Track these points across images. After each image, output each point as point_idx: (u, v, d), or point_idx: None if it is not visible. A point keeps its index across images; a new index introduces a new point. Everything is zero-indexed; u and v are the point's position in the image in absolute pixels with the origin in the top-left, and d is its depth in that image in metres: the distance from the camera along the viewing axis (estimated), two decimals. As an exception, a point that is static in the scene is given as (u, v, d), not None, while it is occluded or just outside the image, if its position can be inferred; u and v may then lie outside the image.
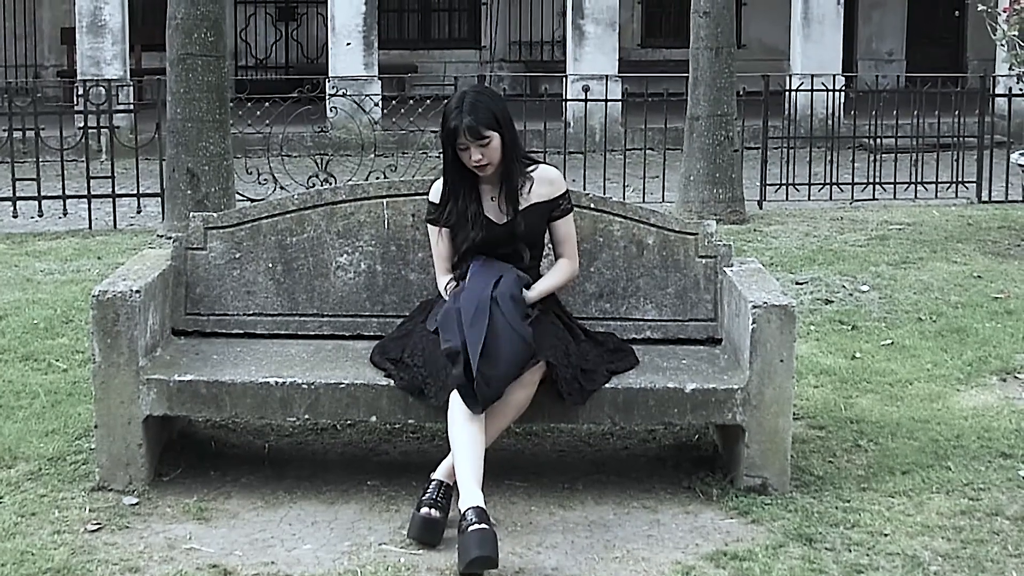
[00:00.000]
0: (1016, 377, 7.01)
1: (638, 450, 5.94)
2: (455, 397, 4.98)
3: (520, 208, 5.40)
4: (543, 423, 5.64)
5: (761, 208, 12.78)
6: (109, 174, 11.88)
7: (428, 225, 5.53)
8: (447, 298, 5.32)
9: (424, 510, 4.88)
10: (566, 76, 17.72)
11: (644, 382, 5.28)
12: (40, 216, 11.93)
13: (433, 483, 4.98)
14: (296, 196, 6.01)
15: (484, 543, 4.57)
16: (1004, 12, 11.77)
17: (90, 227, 11.69)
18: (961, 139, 13.46)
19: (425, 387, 5.14)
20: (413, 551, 4.79)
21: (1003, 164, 13.47)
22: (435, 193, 5.49)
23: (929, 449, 5.84)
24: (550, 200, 5.46)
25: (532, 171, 5.46)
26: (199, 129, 10.60)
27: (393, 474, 5.53)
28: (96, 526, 4.98)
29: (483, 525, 4.64)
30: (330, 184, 11.48)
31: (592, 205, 5.88)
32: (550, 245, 5.58)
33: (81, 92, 12.96)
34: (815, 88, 13.69)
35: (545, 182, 5.47)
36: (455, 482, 4.90)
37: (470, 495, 4.76)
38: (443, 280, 5.47)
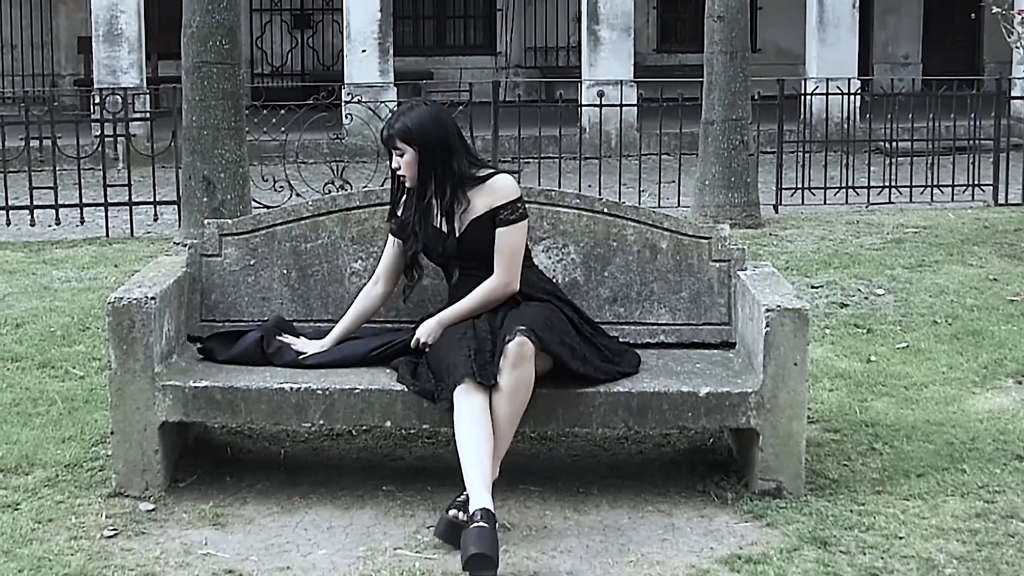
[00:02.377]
0: (1032, 380, 7.00)
1: (652, 454, 5.94)
2: (459, 397, 4.99)
3: (463, 225, 5.43)
4: (557, 427, 5.64)
5: (777, 212, 12.77)
6: (126, 182, 11.92)
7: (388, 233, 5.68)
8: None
9: (451, 512, 4.90)
10: (581, 81, 17.73)
11: (658, 386, 5.28)
12: (57, 224, 11.98)
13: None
14: (310, 202, 6.03)
15: (482, 540, 4.59)
16: (1020, 15, 11.76)
17: (107, 235, 11.73)
18: (977, 142, 13.43)
19: (437, 390, 5.16)
20: (428, 555, 4.80)
21: (1019, 167, 13.46)
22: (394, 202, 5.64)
23: (944, 452, 5.84)
24: (491, 210, 5.42)
25: (478, 186, 5.43)
26: (215, 137, 10.63)
27: (408, 479, 5.54)
28: (113, 532, 5.00)
29: (484, 524, 4.66)
30: (346, 191, 11.50)
31: (605, 210, 5.88)
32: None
33: (98, 100, 13.01)
34: (830, 92, 13.67)
35: (488, 192, 5.43)
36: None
37: (478, 497, 4.77)
38: (369, 286, 5.66)
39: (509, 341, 5.06)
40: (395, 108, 16.09)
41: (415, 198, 5.49)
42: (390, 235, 5.62)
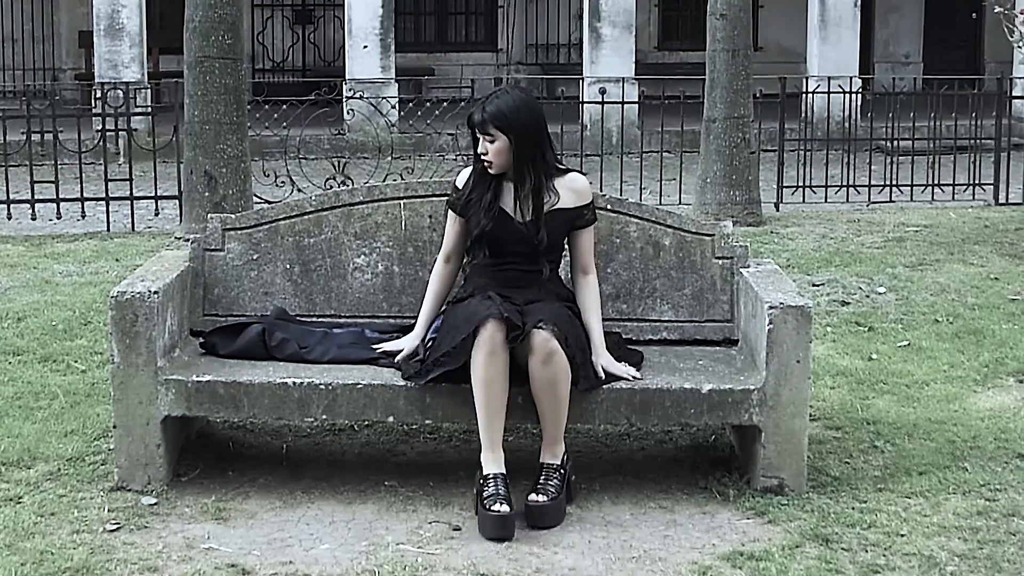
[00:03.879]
0: (1033, 378, 7.01)
1: (655, 451, 5.95)
2: (477, 357, 5.03)
3: (541, 215, 5.38)
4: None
5: (778, 210, 12.78)
6: (127, 176, 11.92)
7: (448, 209, 5.56)
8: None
9: (495, 507, 4.94)
10: (583, 79, 17.73)
11: (661, 383, 5.29)
12: (58, 218, 11.98)
13: (491, 477, 5.03)
14: (313, 197, 6.03)
15: (503, 528, 4.89)
16: (1021, 14, 11.76)
17: (108, 229, 11.73)
18: (978, 141, 13.44)
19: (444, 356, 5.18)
20: (430, 551, 4.80)
21: (1020, 166, 13.48)
22: (460, 179, 5.54)
23: (946, 450, 5.84)
24: (574, 208, 5.44)
25: (558, 179, 5.44)
26: (217, 131, 10.63)
27: (410, 474, 5.55)
28: (115, 526, 5.00)
29: (503, 509, 4.87)
30: (347, 186, 11.50)
31: (609, 206, 5.89)
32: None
33: (99, 95, 13.01)
34: (832, 90, 13.68)
35: (571, 190, 5.45)
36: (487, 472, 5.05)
37: (491, 461, 5.05)
38: (440, 264, 5.54)
39: (535, 327, 5.07)
40: (395, 103, 16.15)
41: (490, 181, 5.40)
42: (451, 212, 5.52)
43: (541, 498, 5.04)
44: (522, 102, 5.45)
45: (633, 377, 5.30)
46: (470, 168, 5.52)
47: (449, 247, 5.53)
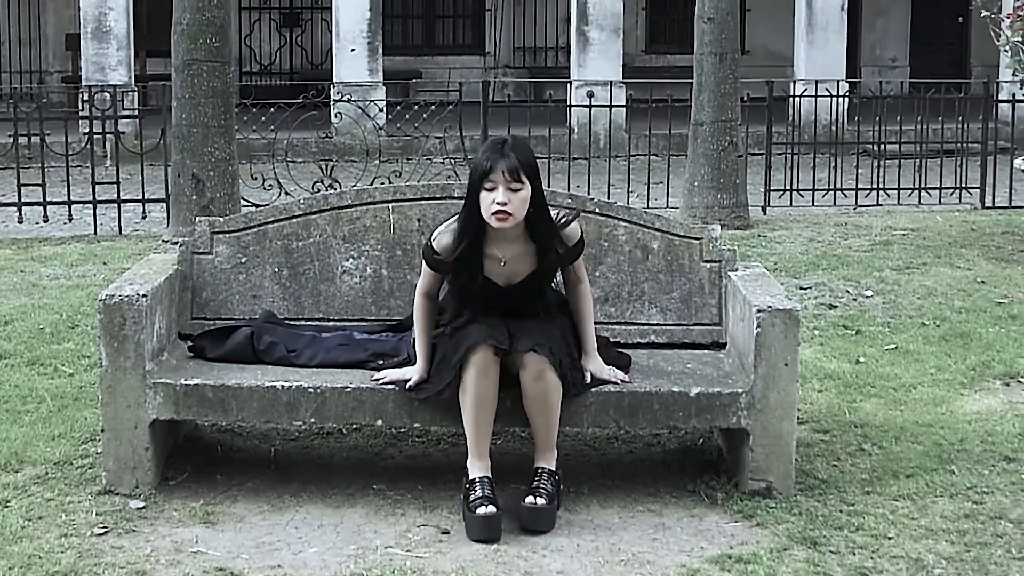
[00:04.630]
0: (1019, 381, 7.02)
1: (643, 454, 5.95)
2: (468, 376, 5.06)
3: (529, 271, 5.27)
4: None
5: (765, 214, 12.80)
6: (114, 179, 11.91)
7: (424, 264, 5.33)
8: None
9: (481, 509, 4.95)
10: (570, 82, 17.74)
11: (649, 386, 5.29)
12: (45, 221, 11.96)
13: (477, 481, 5.05)
14: (302, 201, 6.03)
15: (488, 528, 4.93)
16: (1007, 18, 11.79)
17: (95, 232, 11.72)
18: (965, 145, 13.47)
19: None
20: (418, 554, 4.81)
21: (1007, 170, 13.49)
22: (441, 240, 5.24)
23: (933, 453, 5.85)
24: (567, 251, 5.32)
25: (562, 230, 5.30)
26: (204, 134, 10.63)
27: (399, 478, 5.55)
28: (103, 530, 4.99)
29: (489, 509, 4.92)
30: (335, 190, 11.50)
31: (597, 210, 5.89)
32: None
33: (86, 98, 12.99)
34: (819, 94, 13.71)
35: (567, 237, 5.31)
36: (473, 475, 5.07)
37: (477, 466, 5.09)
38: (422, 301, 5.32)
39: (528, 351, 5.07)
40: (383, 106, 16.12)
41: (479, 241, 5.19)
42: (427, 266, 5.30)
43: (539, 501, 5.05)
44: (531, 151, 5.27)
45: (621, 381, 5.31)
46: (448, 230, 5.24)
47: (428, 288, 5.32)
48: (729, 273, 5.82)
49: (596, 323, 5.73)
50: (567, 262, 5.35)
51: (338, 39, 18.91)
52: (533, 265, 5.25)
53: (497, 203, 5.06)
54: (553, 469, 5.20)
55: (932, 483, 5.48)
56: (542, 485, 5.12)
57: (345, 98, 14.75)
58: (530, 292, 5.31)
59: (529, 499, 5.06)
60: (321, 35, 22.89)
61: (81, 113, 13.74)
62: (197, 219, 6.13)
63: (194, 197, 10.65)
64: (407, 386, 5.25)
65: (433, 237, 5.28)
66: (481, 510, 4.94)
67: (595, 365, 5.33)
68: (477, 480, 5.06)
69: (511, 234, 5.20)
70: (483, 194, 5.09)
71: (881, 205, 13.16)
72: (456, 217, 5.25)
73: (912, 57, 24.06)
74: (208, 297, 5.88)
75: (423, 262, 5.34)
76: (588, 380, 5.28)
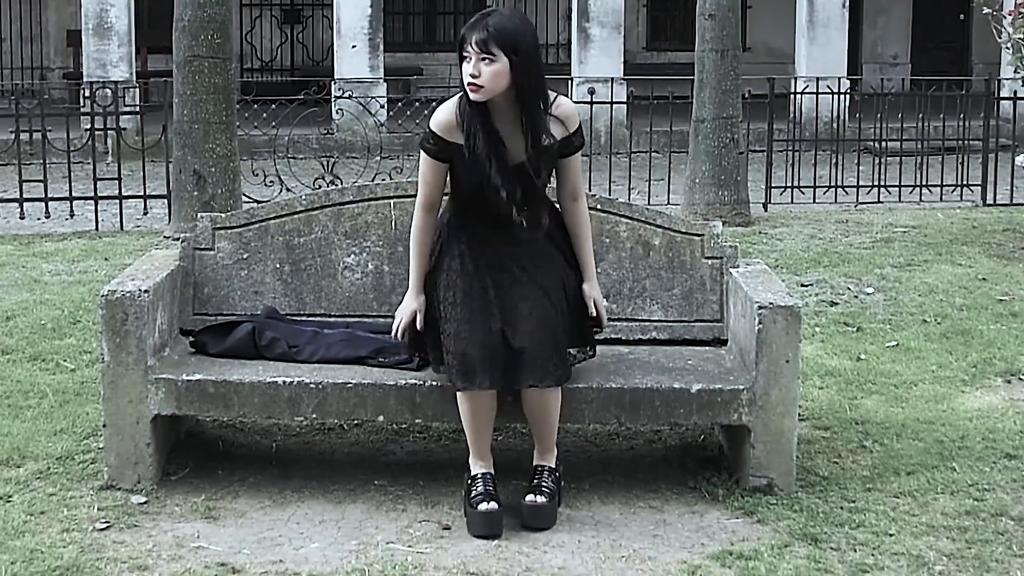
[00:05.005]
0: (1021, 379, 7.03)
1: (644, 450, 5.95)
2: (464, 396, 5.10)
3: (536, 152, 5.03)
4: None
5: (766, 211, 12.80)
6: (116, 176, 11.91)
7: (423, 155, 5.14)
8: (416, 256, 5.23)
9: (483, 505, 4.96)
10: (571, 79, 17.74)
11: (650, 382, 5.30)
12: (47, 217, 11.96)
13: (479, 477, 5.06)
14: (304, 197, 6.03)
15: (490, 524, 4.93)
16: (1009, 15, 11.80)
17: (97, 228, 11.72)
18: (966, 142, 13.47)
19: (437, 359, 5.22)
20: (420, 550, 4.81)
21: (1008, 167, 13.50)
22: (439, 119, 5.08)
23: (934, 450, 5.86)
24: (563, 138, 5.12)
25: (553, 109, 5.09)
26: (205, 131, 10.63)
27: (400, 474, 5.55)
28: (105, 524, 5.00)
29: (490, 505, 4.94)
30: (336, 186, 11.50)
31: (599, 206, 5.89)
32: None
33: (87, 94, 13.00)
34: (820, 91, 13.71)
35: (560, 119, 5.10)
36: (476, 470, 5.10)
37: (478, 463, 5.12)
38: (423, 216, 5.17)
39: (529, 385, 5.02)
40: (384, 103, 16.15)
41: (482, 118, 4.99)
42: (428, 158, 5.12)
43: (540, 499, 5.05)
44: (525, 23, 5.11)
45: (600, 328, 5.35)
46: (447, 107, 5.09)
47: (432, 196, 5.14)
48: (730, 270, 5.82)
49: (597, 319, 5.74)
50: (565, 152, 5.14)
51: (339, 36, 18.91)
52: (527, 151, 5.03)
53: (468, 75, 4.95)
54: (554, 466, 5.20)
55: (933, 480, 5.49)
56: (543, 483, 5.12)
57: (346, 95, 14.75)
58: (528, 194, 5.05)
59: (530, 497, 5.06)
60: (322, 31, 22.88)
61: (82, 109, 13.74)
62: (199, 215, 6.14)
63: (195, 193, 10.66)
64: (401, 326, 5.22)
65: (430, 122, 5.12)
66: (483, 506, 4.95)
67: (596, 292, 5.31)
68: (479, 476, 5.07)
69: (503, 113, 5.02)
70: (464, 65, 4.98)
71: (882, 202, 13.15)
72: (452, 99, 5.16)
73: (913, 54, 24.05)
74: (210, 293, 5.88)
75: (421, 160, 5.15)
76: (593, 313, 5.27)
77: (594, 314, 5.28)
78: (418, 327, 5.21)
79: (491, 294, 5.07)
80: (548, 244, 5.22)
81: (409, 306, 5.24)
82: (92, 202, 11.89)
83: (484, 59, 4.92)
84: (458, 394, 5.07)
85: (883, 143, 13.42)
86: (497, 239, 5.14)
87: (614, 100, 14.01)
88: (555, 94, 5.15)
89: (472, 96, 4.97)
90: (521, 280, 5.11)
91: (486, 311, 5.05)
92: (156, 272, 5.62)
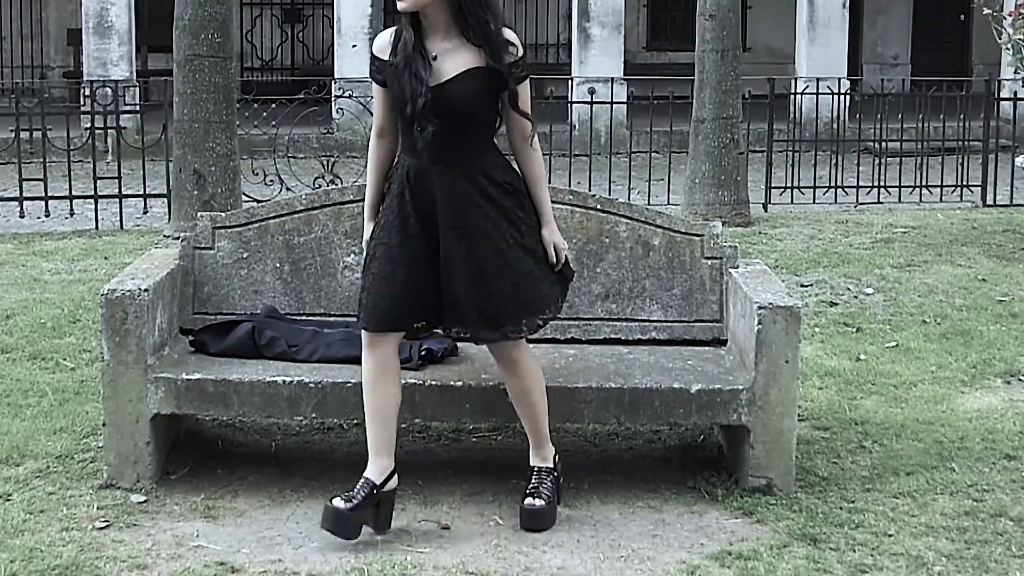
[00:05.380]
0: (1020, 380, 7.03)
1: (643, 450, 5.96)
2: (365, 363, 4.99)
3: (454, 72, 4.78)
4: (549, 423, 5.64)
5: (766, 211, 12.80)
6: (115, 174, 11.91)
7: (374, 89, 4.99)
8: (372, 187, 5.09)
9: (335, 501, 4.88)
10: (571, 79, 17.73)
11: (650, 382, 5.30)
12: (47, 216, 11.96)
13: (361, 480, 4.95)
14: (304, 196, 6.03)
15: (330, 519, 4.82)
16: (1009, 16, 11.79)
17: (96, 227, 11.72)
18: (966, 143, 13.47)
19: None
20: (419, 549, 4.81)
21: (1008, 168, 13.50)
22: (379, 41, 4.95)
23: (933, 451, 5.86)
24: (495, 65, 4.79)
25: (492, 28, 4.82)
26: (206, 130, 10.63)
27: (400, 473, 5.52)
28: (104, 523, 5.00)
29: (339, 503, 4.83)
30: (336, 185, 11.51)
31: (598, 206, 5.89)
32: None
33: (88, 93, 13.00)
34: (820, 92, 13.71)
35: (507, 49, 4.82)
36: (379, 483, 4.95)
37: (370, 466, 4.96)
38: (374, 140, 5.05)
39: (485, 340, 4.94)
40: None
41: (415, 40, 4.77)
42: (375, 88, 4.98)
43: (538, 502, 5.02)
44: None
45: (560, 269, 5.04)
46: (390, 29, 4.95)
47: (381, 122, 5.00)
48: (730, 270, 5.82)
49: (597, 319, 5.75)
50: (505, 74, 4.82)
51: (339, 35, 18.92)
52: (468, 64, 4.78)
53: None
54: (551, 466, 5.17)
55: (932, 481, 5.49)
56: (540, 485, 5.09)
57: (346, 94, 14.73)
58: (470, 114, 4.82)
59: (528, 501, 5.03)
60: (322, 31, 22.89)
61: (83, 108, 13.75)
62: (199, 214, 6.15)
63: (195, 192, 10.65)
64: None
65: (373, 48, 5.00)
66: (335, 501, 4.86)
67: (557, 236, 5.03)
68: (362, 480, 4.93)
69: (439, 30, 4.80)
70: None
71: (882, 203, 13.16)
72: None
73: (914, 55, 24.06)
74: (209, 292, 5.88)
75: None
76: (553, 258, 4.99)
77: (553, 260, 5.00)
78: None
79: (416, 243, 4.88)
80: (491, 191, 4.89)
81: (364, 237, 5.14)
82: (92, 201, 11.89)
83: None
84: (363, 354, 4.96)
85: (883, 143, 13.42)
86: (430, 182, 4.88)
87: (614, 100, 14.01)
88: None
89: (399, 5, 4.78)
90: (449, 233, 4.86)
91: (407, 260, 4.88)
92: (156, 271, 5.62)
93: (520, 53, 4.88)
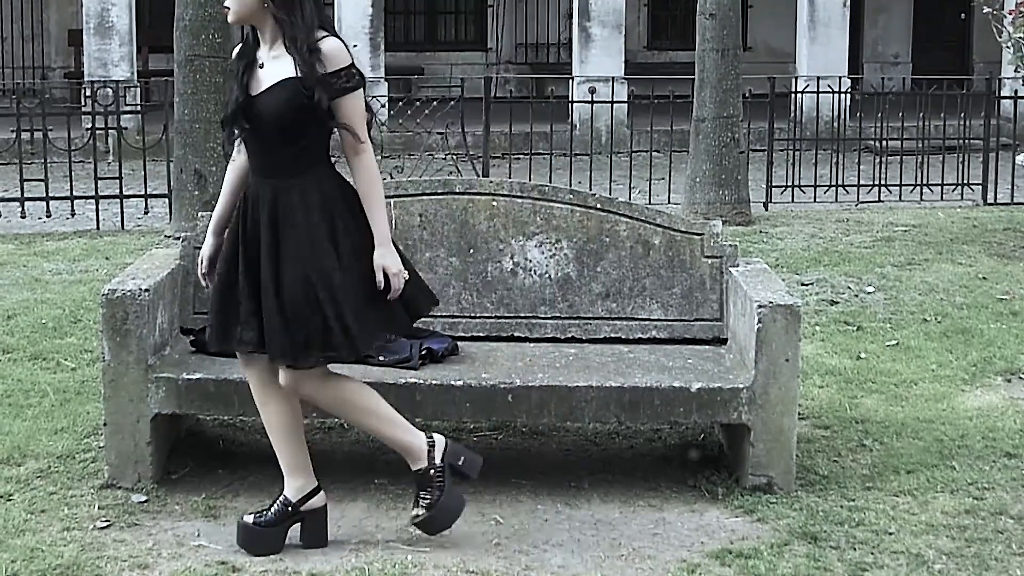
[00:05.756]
0: (1020, 378, 7.04)
1: (644, 449, 5.96)
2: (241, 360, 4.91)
3: (269, 83, 4.66)
4: (549, 422, 5.66)
5: (767, 210, 12.80)
6: (116, 175, 11.90)
7: None
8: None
9: (244, 517, 4.86)
10: (572, 78, 17.72)
11: (650, 381, 5.30)
12: (48, 217, 11.96)
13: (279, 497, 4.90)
14: (304, 196, 6.01)
15: (238, 534, 4.81)
16: (1010, 14, 11.79)
17: (97, 228, 11.72)
18: (966, 141, 13.46)
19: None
20: (420, 549, 4.81)
21: (1008, 166, 13.49)
22: (236, 51, 4.88)
23: (934, 449, 5.86)
24: (322, 75, 4.60)
25: (318, 42, 4.64)
26: (206, 130, 10.63)
27: (400, 473, 5.51)
28: (105, 523, 5.01)
29: (247, 519, 4.82)
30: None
31: (598, 205, 5.90)
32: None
33: (89, 93, 13.00)
34: (821, 90, 13.70)
35: (321, 58, 4.63)
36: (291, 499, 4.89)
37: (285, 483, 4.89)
38: (235, 153, 4.93)
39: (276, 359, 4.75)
40: (385, 102, 16.15)
41: (250, 42, 4.73)
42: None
43: (416, 511, 4.86)
44: None
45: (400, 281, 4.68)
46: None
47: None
48: (730, 269, 5.83)
49: (597, 318, 5.75)
50: (312, 85, 4.60)
51: (340, 34, 18.90)
52: (284, 75, 4.64)
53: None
54: (425, 466, 4.84)
55: (933, 479, 5.49)
56: (418, 492, 4.87)
57: (347, 94, 14.73)
58: (278, 125, 4.66)
59: (413, 512, 4.90)
60: (323, 31, 22.87)
61: (84, 109, 13.75)
62: (199, 214, 6.16)
63: (196, 192, 10.66)
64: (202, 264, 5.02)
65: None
66: (245, 517, 4.85)
67: (389, 259, 4.65)
68: (279, 496, 4.88)
69: (267, 34, 4.70)
70: None
71: (883, 201, 13.15)
72: None
73: (914, 53, 24.04)
74: (210, 292, 5.87)
75: None
76: (381, 283, 4.64)
77: (382, 284, 4.66)
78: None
79: (240, 261, 4.75)
80: (302, 209, 4.68)
81: (205, 248, 5.04)
82: (93, 201, 11.89)
83: None
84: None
85: (884, 142, 13.41)
86: (256, 195, 4.75)
87: (615, 99, 14.01)
88: (326, 33, 4.71)
89: (229, 19, 4.73)
90: (269, 249, 4.69)
91: (231, 277, 4.78)
92: (157, 271, 5.62)
93: (342, 64, 4.66)
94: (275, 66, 4.68)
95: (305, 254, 4.65)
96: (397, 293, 4.68)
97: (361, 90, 4.74)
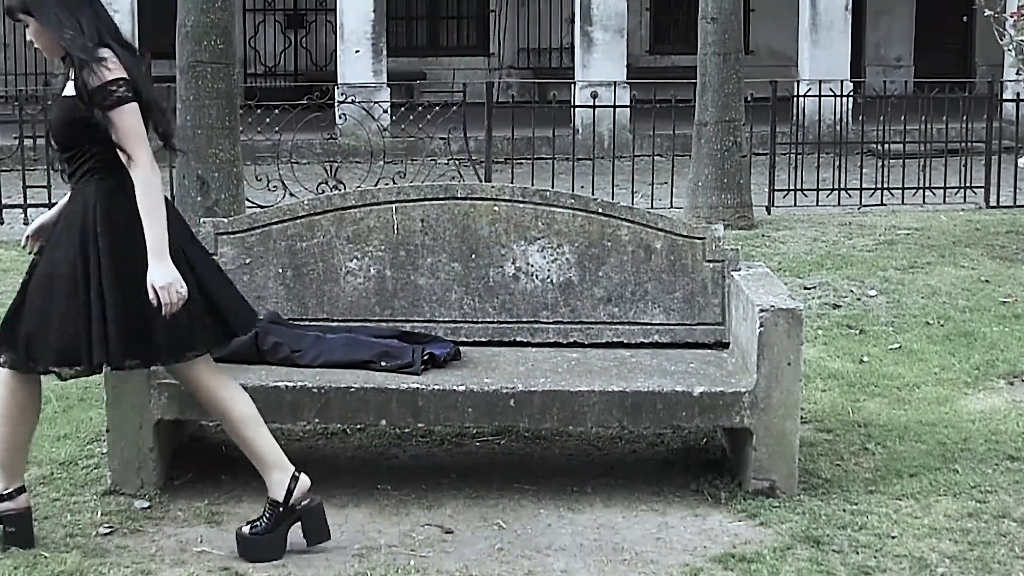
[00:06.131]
0: (1023, 380, 7.03)
1: (646, 453, 5.96)
2: None
3: (61, 96, 4.79)
4: (552, 426, 5.65)
5: (769, 213, 12.81)
6: (119, 181, 11.91)
7: None
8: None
9: (243, 528, 4.87)
10: (575, 83, 17.76)
11: (652, 385, 5.30)
12: (51, 223, 11.96)
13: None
14: (306, 202, 6.04)
15: (240, 547, 4.79)
16: (1012, 17, 11.79)
17: (100, 234, 11.71)
18: (969, 144, 13.47)
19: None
20: (423, 554, 4.82)
21: (1011, 169, 13.48)
22: None
23: (936, 452, 5.86)
24: (91, 89, 4.59)
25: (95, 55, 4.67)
26: (209, 136, 10.62)
27: (403, 478, 5.56)
28: (108, 529, 5.01)
29: (245, 531, 4.83)
30: (339, 191, 11.51)
31: (600, 210, 5.90)
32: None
33: (91, 100, 13.00)
34: (823, 94, 13.71)
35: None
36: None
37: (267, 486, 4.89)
38: None
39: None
40: (387, 107, 16.17)
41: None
42: None
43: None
44: None
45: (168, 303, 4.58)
46: None
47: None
48: (732, 273, 5.83)
49: (599, 323, 5.75)
50: (81, 98, 4.61)
51: (342, 40, 18.93)
52: (69, 90, 4.71)
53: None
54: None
55: (936, 482, 5.49)
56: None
57: (349, 99, 14.75)
58: (58, 139, 4.80)
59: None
60: (325, 37, 22.91)
61: (86, 115, 13.75)
62: (202, 220, 6.15)
63: (199, 198, 10.65)
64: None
65: None
66: (243, 528, 4.85)
67: (158, 275, 4.55)
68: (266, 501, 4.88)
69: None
70: None
71: (885, 205, 13.15)
72: None
73: (916, 56, 24.04)
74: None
75: None
76: (154, 300, 4.55)
77: (154, 301, 4.56)
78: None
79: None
80: (65, 217, 4.77)
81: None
82: (96, 208, 11.89)
83: (25, 24, 4.85)
84: None
85: (886, 145, 13.42)
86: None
87: (617, 104, 14.04)
88: (106, 46, 4.73)
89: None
90: (45, 256, 4.78)
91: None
92: (159, 277, 5.61)
93: (109, 78, 4.61)
94: (70, 83, 4.75)
95: (47, 257, 4.78)
96: (170, 308, 4.59)
97: (133, 104, 4.65)
